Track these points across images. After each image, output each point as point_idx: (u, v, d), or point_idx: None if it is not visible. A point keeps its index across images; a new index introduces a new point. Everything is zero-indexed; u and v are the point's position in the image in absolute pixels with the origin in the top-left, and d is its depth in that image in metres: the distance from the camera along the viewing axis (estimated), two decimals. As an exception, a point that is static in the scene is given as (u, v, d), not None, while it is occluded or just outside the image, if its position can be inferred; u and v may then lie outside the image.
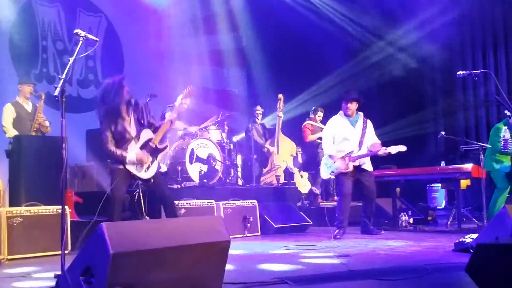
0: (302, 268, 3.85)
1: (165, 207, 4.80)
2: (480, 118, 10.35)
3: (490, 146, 6.48)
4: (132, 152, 4.51)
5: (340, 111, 6.11)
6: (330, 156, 5.97)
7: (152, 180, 4.64)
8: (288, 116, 9.82)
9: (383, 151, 5.75)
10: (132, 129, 4.58)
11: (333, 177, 6.09)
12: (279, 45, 10.91)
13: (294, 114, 10.20)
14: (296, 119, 9.25)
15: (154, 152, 4.64)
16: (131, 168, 4.52)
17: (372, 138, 6.03)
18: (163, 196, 4.77)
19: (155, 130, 4.72)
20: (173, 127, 5.05)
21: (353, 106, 5.98)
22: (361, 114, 6.10)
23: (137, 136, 4.61)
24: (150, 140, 4.63)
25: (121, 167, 4.52)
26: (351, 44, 10.84)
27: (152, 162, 4.61)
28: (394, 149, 5.72)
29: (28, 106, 6.58)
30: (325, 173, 6.06)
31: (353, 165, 5.88)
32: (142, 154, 4.52)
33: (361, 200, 6.24)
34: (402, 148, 5.72)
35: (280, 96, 8.65)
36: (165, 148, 4.78)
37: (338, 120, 6.09)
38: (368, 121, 6.09)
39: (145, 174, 4.60)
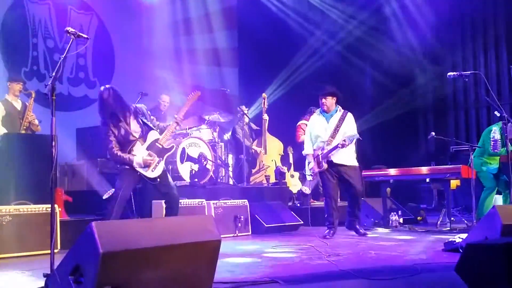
0: (293, 267, 3.85)
1: (168, 206, 4.88)
2: (470, 119, 10.43)
3: (480, 147, 6.53)
4: (139, 155, 4.64)
5: (319, 108, 5.96)
6: (306, 155, 5.93)
7: (158, 180, 4.76)
8: (280, 117, 9.84)
9: (341, 142, 5.56)
10: (135, 131, 4.68)
11: (310, 178, 6.04)
12: (272, 44, 10.92)
13: (285, 114, 10.23)
14: (288, 119, 9.27)
15: (161, 152, 4.78)
16: (139, 169, 4.67)
17: (350, 131, 5.73)
18: (167, 194, 4.87)
19: (161, 131, 4.85)
20: (180, 128, 5.13)
21: (328, 101, 5.77)
22: (339, 108, 5.86)
23: (143, 137, 4.74)
24: (156, 140, 4.77)
25: (128, 167, 4.66)
26: (345, 41, 10.90)
27: (158, 162, 4.73)
28: (349, 139, 5.56)
29: (18, 104, 6.52)
30: (307, 174, 6.02)
31: (333, 162, 5.70)
32: (149, 159, 4.66)
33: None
34: (356, 136, 5.60)
35: (264, 95, 8.66)
36: (171, 148, 4.89)
37: (314, 117, 5.97)
38: (349, 114, 5.83)
39: (152, 173, 4.72)
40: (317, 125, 5.88)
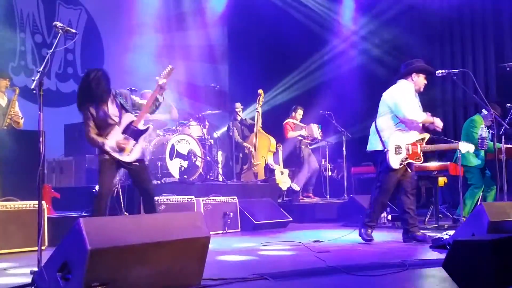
0: (282, 264, 3.86)
1: (145, 202, 4.65)
2: (458, 116, 10.49)
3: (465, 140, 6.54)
4: (113, 139, 4.40)
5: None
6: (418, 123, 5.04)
7: (136, 164, 4.49)
8: (271, 113, 9.86)
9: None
10: (114, 114, 4.46)
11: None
12: (263, 41, 10.92)
13: (277, 111, 10.25)
14: (279, 116, 9.29)
15: (136, 135, 4.51)
16: (114, 154, 4.42)
17: None
18: (146, 191, 4.62)
19: (140, 109, 4.64)
20: (164, 91, 4.67)
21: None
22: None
23: (120, 121, 4.51)
24: (131, 123, 4.51)
25: (107, 157, 4.42)
26: (330, 38, 10.94)
27: (134, 145, 4.47)
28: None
29: (3, 101, 6.43)
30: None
31: None
32: (122, 142, 4.41)
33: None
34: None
35: (260, 91, 8.66)
36: (147, 129, 4.64)
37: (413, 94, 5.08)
38: None
39: (128, 157, 4.46)
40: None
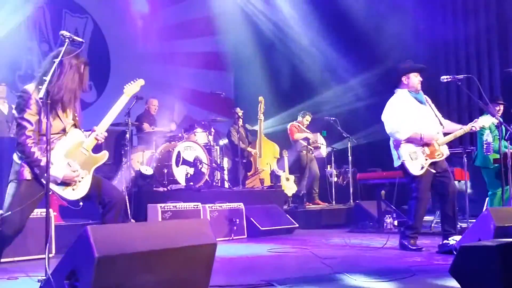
0: (289, 270, 3.85)
1: (111, 210, 3.44)
2: (463, 122, 10.47)
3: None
4: (58, 168, 3.20)
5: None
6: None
7: (81, 204, 3.39)
8: (275, 122, 9.90)
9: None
10: (68, 122, 3.34)
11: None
12: (266, 48, 10.95)
13: (281, 119, 10.28)
14: (283, 123, 9.32)
15: (87, 163, 3.33)
16: (52, 185, 3.16)
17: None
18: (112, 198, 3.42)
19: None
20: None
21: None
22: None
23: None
24: (81, 144, 3.34)
25: (29, 178, 3.18)
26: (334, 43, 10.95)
27: (83, 177, 3.30)
28: None
29: (4, 107, 6.44)
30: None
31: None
32: (70, 174, 3.22)
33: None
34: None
35: (261, 98, 8.69)
36: (103, 157, 3.43)
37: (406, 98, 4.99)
38: None
39: (73, 194, 3.28)
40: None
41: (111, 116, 3.47)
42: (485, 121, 4.91)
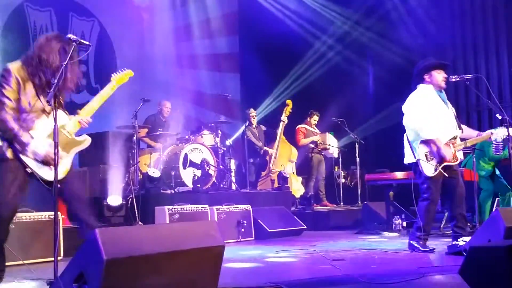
0: (297, 272, 3.84)
1: (78, 211, 3.49)
2: (471, 121, 10.41)
3: (480, 150, 6.55)
4: (40, 144, 3.23)
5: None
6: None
7: (59, 185, 3.17)
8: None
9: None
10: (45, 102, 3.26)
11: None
12: (273, 49, 10.94)
13: (289, 118, 10.24)
14: (291, 124, 9.31)
15: (68, 146, 3.40)
16: (30, 162, 3.23)
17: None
18: (73, 197, 3.46)
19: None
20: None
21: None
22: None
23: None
24: (63, 126, 3.38)
25: (11, 156, 3.22)
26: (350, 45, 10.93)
27: (63, 158, 3.31)
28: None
29: None
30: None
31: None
32: (51, 153, 3.16)
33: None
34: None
35: (288, 101, 8.73)
36: (84, 141, 3.52)
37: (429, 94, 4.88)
38: None
39: (49, 173, 3.26)
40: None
41: (96, 102, 3.55)
42: (499, 135, 4.87)
